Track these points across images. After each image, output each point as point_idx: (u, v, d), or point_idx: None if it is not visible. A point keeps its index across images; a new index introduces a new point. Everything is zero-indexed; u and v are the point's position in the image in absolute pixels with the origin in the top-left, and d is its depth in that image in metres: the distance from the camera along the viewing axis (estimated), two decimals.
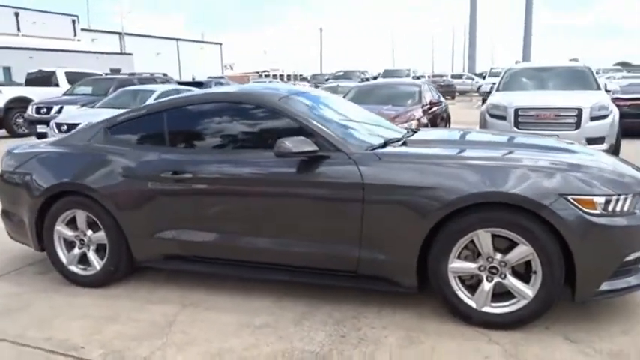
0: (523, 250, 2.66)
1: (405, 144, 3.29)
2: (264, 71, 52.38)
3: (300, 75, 51.86)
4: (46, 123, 11.35)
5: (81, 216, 3.52)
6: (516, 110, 7.36)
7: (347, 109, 3.83)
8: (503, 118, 7.50)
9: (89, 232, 3.55)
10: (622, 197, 2.64)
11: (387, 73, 26.60)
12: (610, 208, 2.61)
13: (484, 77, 24.94)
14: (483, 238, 2.72)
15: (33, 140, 4.78)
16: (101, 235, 3.49)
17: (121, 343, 2.78)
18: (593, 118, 7.04)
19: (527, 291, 2.70)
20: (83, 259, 3.61)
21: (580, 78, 8.28)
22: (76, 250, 3.60)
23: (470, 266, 2.80)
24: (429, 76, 34.86)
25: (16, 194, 3.73)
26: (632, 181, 2.78)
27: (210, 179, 3.18)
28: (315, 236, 3.01)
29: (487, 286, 2.77)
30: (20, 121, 14.15)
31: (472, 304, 2.80)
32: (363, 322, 2.93)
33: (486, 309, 2.78)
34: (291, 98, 3.37)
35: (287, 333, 2.83)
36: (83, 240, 3.57)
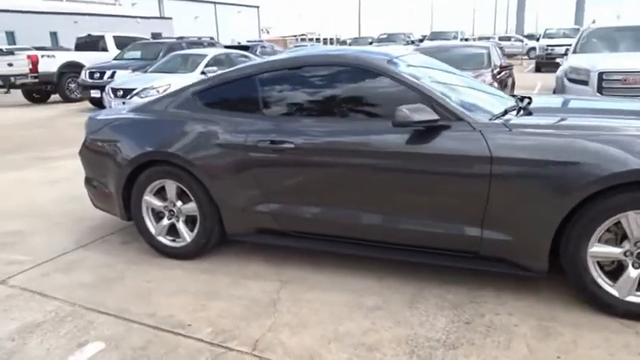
0: None
1: (529, 113, 2.94)
2: (302, 35, 51.43)
3: (338, 38, 50.62)
4: (100, 88, 11.40)
5: (170, 186, 3.37)
6: (600, 74, 6.78)
7: (451, 74, 3.48)
8: (584, 82, 6.95)
9: (179, 203, 3.40)
10: None
11: (434, 36, 25.56)
12: None
13: (537, 39, 23.62)
14: (633, 220, 2.40)
15: (115, 107, 4.64)
16: (192, 207, 3.33)
17: (229, 322, 2.63)
18: None
19: None
20: (171, 231, 3.49)
21: None
22: (165, 221, 3.47)
23: (614, 251, 2.49)
24: (474, 39, 33.33)
25: (101, 162, 3.61)
26: None
27: (314, 150, 2.93)
28: (432, 214, 2.75)
29: (634, 273, 2.46)
30: (72, 85, 14.26)
31: (614, 292, 2.50)
32: (485, 307, 2.69)
33: (630, 298, 2.48)
34: (399, 61, 3.06)
35: (403, 317, 2.62)
36: (172, 211, 3.43)
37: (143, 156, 3.35)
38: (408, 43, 24.27)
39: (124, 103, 9.05)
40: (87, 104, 13.38)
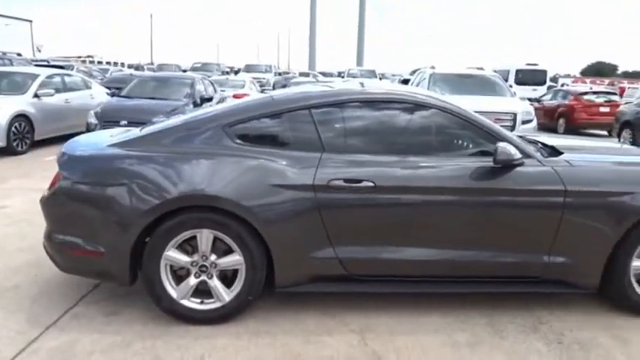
0: None
1: (561, 152, 3.30)
2: (89, 56, 46.72)
3: (121, 63, 46.60)
4: None
5: (206, 237, 2.79)
6: None
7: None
8: None
9: (212, 257, 2.84)
10: None
11: (248, 68, 26.17)
12: None
13: (342, 77, 26.32)
14: None
15: (94, 136, 3.56)
16: (234, 260, 2.82)
17: None
18: (523, 122, 8.08)
19: None
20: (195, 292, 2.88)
21: (494, 85, 9.39)
22: (192, 280, 2.85)
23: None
24: (278, 73, 35.24)
25: (90, 213, 2.78)
26: None
27: (395, 188, 2.82)
28: (509, 244, 2.93)
29: None
30: None
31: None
32: (555, 326, 2.95)
33: None
34: (441, 97, 3.21)
35: (507, 347, 2.71)
36: (205, 266, 2.85)
37: (174, 201, 2.71)
38: (224, 73, 24.32)
39: None
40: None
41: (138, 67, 34.35)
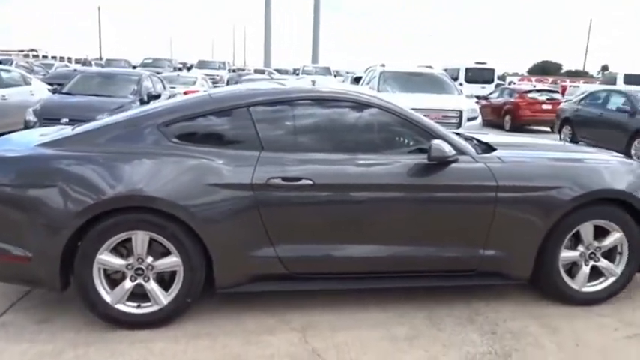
0: (617, 237, 3.17)
1: (494, 149, 3.40)
2: (32, 50, 44.53)
3: (67, 58, 44.47)
4: None
5: (141, 238, 2.72)
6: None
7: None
8: None
9: (149, 259, 2.77)
10: None
11: (201, 64, 25.70)
12: None
13: (297, 74, 26.29)
14: (588, 229, 3.14)
15: (23, 135, 3.38)
16: (171, 261, 2.76)
17: None
18: (469, 119, 8.32)
19: (615, 269, 3.22)
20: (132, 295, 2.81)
21: (442, 83, 9.62)
22: (128, 284, 2.77)
23: (572, 254, 3.19)
24: (232, 70, 34.81)
25: (16, 216, 2.65)
26: None
27: (333, 186, 2.84)
28: (444, 239, 3.00)
29: (585, 269, 3.20)
30: None
31: (575, 286, 3.20)
32: (490, 317, 3.05)
33: (584, 289, 3.21)
34: (379, 96, 3.26)
35: (444, 339, 2.78)
36: (141, 269, 2.77)
37: (107, 203, 2.63)
38: (176, 69, 23.79)
39: None
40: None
41: (85, 63, 33.12)
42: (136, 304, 2.80)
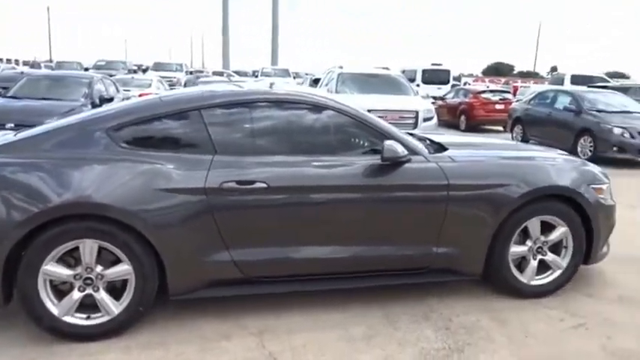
0: (562, 232, 3.30)
1: (446, 148, 3.49)
2: None
3: (15, 59, 42.45)
4: None
5: (89, 247, 2.64)
6: (368, 112, 8.25)
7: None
8: None
9: (98, 268, 2.69)
10: None
11: (157, 66, 25.15)
12: None
13: (256, 76, 26.11)
14: (535, 224, 3.26)
15: None
16: (122, 270, 2.69)
17: None
18: (425, 120, 8.49)
19: (561, 262, 3.36)
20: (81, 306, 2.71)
21: (399, 84, 9.78)
22: (76, 294, 2.67)
23: (521, 249, 3.30)
24: (190, 72, 34.22)
25: None
26: None
27: (288, 188, 2.84)
28: (401, 238, 3.05)
29: (533, 263, 3.32)
30: None
31: (524, 280, 3.31)
32: (445, 313, 3.12)
33: (532, 282, 3.33)
34: (334, 98, 3.28)
35: (399, 337, 2.83)
36: (90, 279, 2.68)
37: (51, 211, 2.53)
38: (131, 72, 23.19)
39: None
40: None
41: (33, 65, 31.80)
42: (85, 315, 2.71)
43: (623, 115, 9.55)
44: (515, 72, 68.33)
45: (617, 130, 9.00)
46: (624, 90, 14.00)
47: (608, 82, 18.67)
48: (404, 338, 2.82)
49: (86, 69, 23.60)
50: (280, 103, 3.11)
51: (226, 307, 3.07)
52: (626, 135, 8.94)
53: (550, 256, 3.34)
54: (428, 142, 3.63)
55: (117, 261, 2.69)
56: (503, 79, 37.51)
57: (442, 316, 3.08)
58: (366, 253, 3.02)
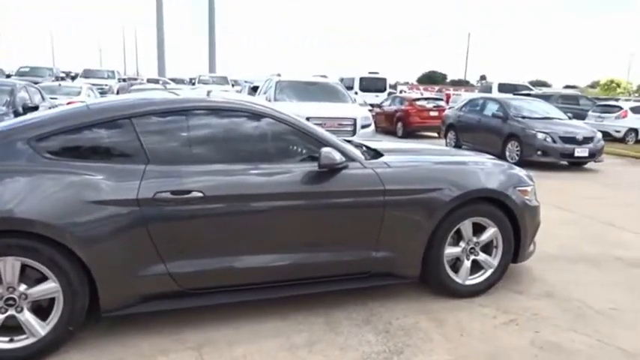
0: (492, 232, 3.47)
1: (381, 154, 3.55)
2: None
3: None
4: None
5: (11, 265, 2.46)
6: (307, 119, 8.30)
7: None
8: None
9: (21, 287, 2.52)
10: None
11: (87, 73, 24.01)
12: None
13: (193, 83, 25.56)
14: (467, 226, 3.40)
15: None
16: (48, 287, 2.53)
17: None
18: (363, 127, 8.66)
19: (492, 262, 3.52)
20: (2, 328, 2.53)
21: (337, 92, 9.92)
22: None
23: (455, 250, 3.43)
24: (123, 79, 32.99)
25: None
26: None
27: (225, 197, 2.79)
28: (340, 244, 3.08)
29: (467, 263, 3.46)
30: None
31: (459, 280, 3.44)
32: (385, 316, 3.18)
33: (467, 282, 3.47)
34: (270, 105, 3.29)
35: (340, 342, 2.84)
36: (12, 299, 2.50)
37: None
38: (59, 79, 22.02)
39: None
40: None
41: None
42: (7, 338, 2.53)
43: (546, 121, 10.21)
44: (447, 80, 71.27)
45: (540, 135, 9.60)
46: (546, 97, 15.00)
47: (532, 90, 19.94)
48: (346, 343, 2.84)
49: (8, 76, 22.12)
50: (218, 110, 3.07)
51: (163, 321, 2.97)
52: (549, 140, 9.56)
53: (482, 256, 3.49)
54: (364, 148, 3.70)
55: (43, 278, 2.53)
56: (436, 87, 39.02)
57: (382, 320, 3.13)
58: (306, 260, 3.02)
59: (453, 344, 2.87)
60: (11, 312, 2.51)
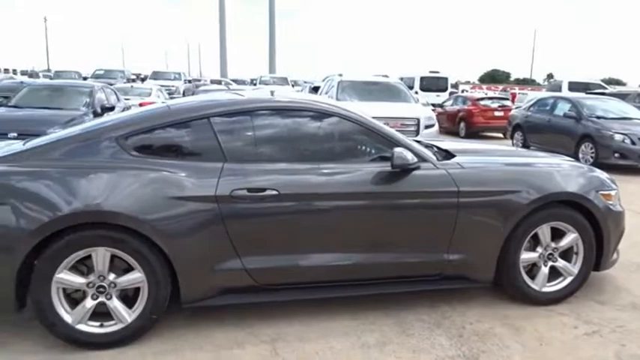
0: (572, 238, 3.30)
1: (453, 155, 3.48)
2: None
3: (12, 69, 42.28)
4: None
5: (102, 255, 2.62)
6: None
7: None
8: None
9: (111, 276, 2.67)
10: None
11: (157, 75, 25.16)
12: None
13: (254, 84, 26.14)
14: (545, 231, 3.26)
15: None
16: (134, 277, 2.67)
17: None
18: (426, 127, 8.51)
19: (572, 269, 3.35)
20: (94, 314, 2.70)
21: (399, 92, 9.80)
22: (89, 302, 2.66)
23: (532, 256, 3.29)
24: (188, 80, 34.29)
25: None
26: None
27: (299, 195, 2.83)
28: (411, 245, 3.05)
29: (545, 269, 3.32)
30: None
31: (535, 287, 3.30)
32: (457, 320, 3.11)
33: (544, 289, 3.32)
34: (337, 105, 3.30)
35: (413, 344, 2.81)
36: (102, 287, 2.67)
37: (64, 219, 2.52)
38: (130, 81, 23.21)
39: None
40: None
41: (32, 74, 31.86)
42: (98, 323, 2.69)
43: (623, 122, 9.60)
44: (511, 79, 68.68)
45: (618, 137, 9.04)
46: (622, 96, 14.07)
47: (606, 88, 18.78)
48: (418, 346, 2.80)
49: (85, 78, 23.59)
50: (287, 110, 3.11)
51: (238, 314, 3.06)
52: (627, 141, 8.98)
53: (561, 263, 3.34)
54: (435, 149, 3.63)
55: (129, 269, 2.68)
56: (500, 87, 37.70)
57: (455, 324, 3.06)
58: (377, 260, 3.01)
59: (531, 353, 2.76)
60: (102, 299, 2.67)
